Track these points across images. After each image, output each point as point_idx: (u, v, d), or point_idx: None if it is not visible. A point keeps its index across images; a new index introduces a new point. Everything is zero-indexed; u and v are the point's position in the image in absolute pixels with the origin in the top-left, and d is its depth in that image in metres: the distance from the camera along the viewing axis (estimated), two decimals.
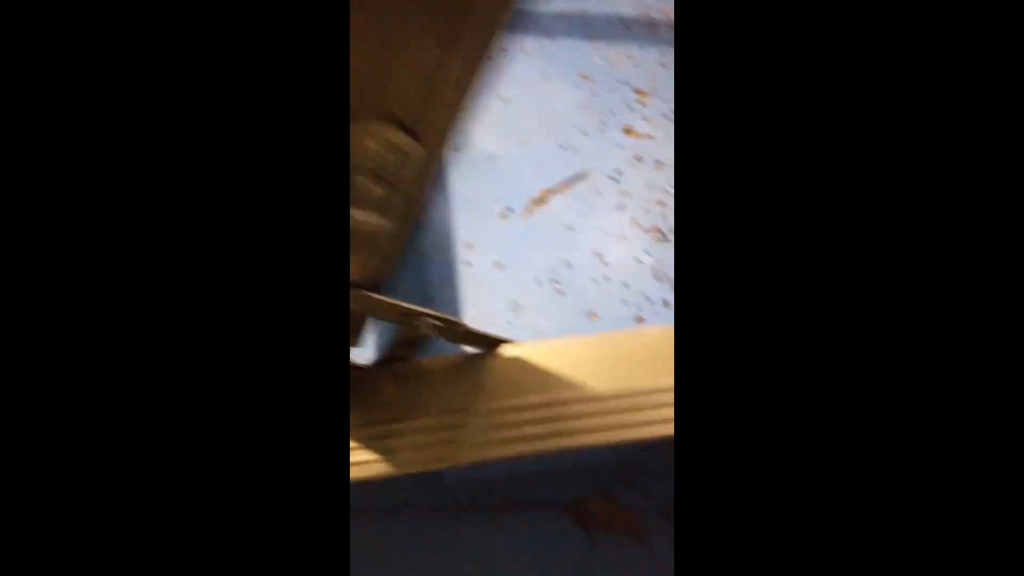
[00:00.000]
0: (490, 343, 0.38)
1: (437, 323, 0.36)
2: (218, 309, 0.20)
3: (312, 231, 0.21)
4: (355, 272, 0.33)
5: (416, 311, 0.35)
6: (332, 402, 0.21)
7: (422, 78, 0.23)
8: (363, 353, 0.42)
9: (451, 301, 0.53)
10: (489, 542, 0.42)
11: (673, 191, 0.59)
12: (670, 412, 0.29)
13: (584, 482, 0.43)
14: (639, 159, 0.62)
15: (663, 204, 0.59)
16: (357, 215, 0.28)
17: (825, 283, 0.19)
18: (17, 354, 0.18)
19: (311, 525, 0.20)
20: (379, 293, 0.34)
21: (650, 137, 0.63)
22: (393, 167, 0.27)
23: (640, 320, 0.51)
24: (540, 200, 0.59)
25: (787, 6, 0.19)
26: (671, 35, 0.69)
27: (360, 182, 0.27)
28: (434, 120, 0.25)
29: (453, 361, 0.39)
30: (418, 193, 0.28)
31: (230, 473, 0.19)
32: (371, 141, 0.25)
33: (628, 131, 0.64)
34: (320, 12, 0.20)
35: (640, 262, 0.56)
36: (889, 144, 0.19)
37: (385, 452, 0.33)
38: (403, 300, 0.34)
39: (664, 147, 0.63)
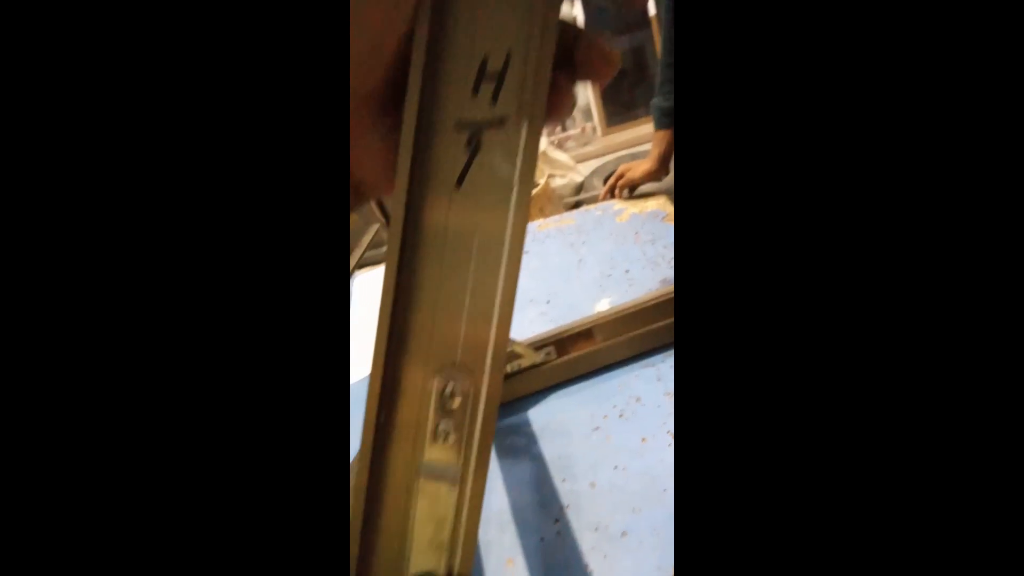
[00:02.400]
0: None
1: None
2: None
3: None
4: (429, 564, 0.27)
5: None
6: None
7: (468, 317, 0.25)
8: None
9: None
10: None
11: None
12: None
13: None
14: None
15: None
16: (429, 465, 0.28)
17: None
18: (15, 355, 0.18)
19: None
20: None
21: None
22: (457, 411, 0.27)
23: None
24: None
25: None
26: None
27: (426, 439, 0.27)
28: (483, 363, 0.26)
29: None
30: (486, 432, 0.28)
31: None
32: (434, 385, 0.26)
33: None
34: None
35: None
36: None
37: None
38: None
39: None
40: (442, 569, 0.27)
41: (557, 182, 2.88)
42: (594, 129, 3.47)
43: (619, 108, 3.45)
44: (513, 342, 0.79)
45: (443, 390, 0.26)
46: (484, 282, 0.25)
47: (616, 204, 1.39)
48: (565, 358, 0.80)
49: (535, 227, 1.36)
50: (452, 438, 0.26)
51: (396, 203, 0.24)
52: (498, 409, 0.27)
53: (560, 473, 0.68)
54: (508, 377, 0.80)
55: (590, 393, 0.79)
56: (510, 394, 0.81)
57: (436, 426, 0.26)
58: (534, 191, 2.16)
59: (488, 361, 0.26)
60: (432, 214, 0.24)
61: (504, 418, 0.81)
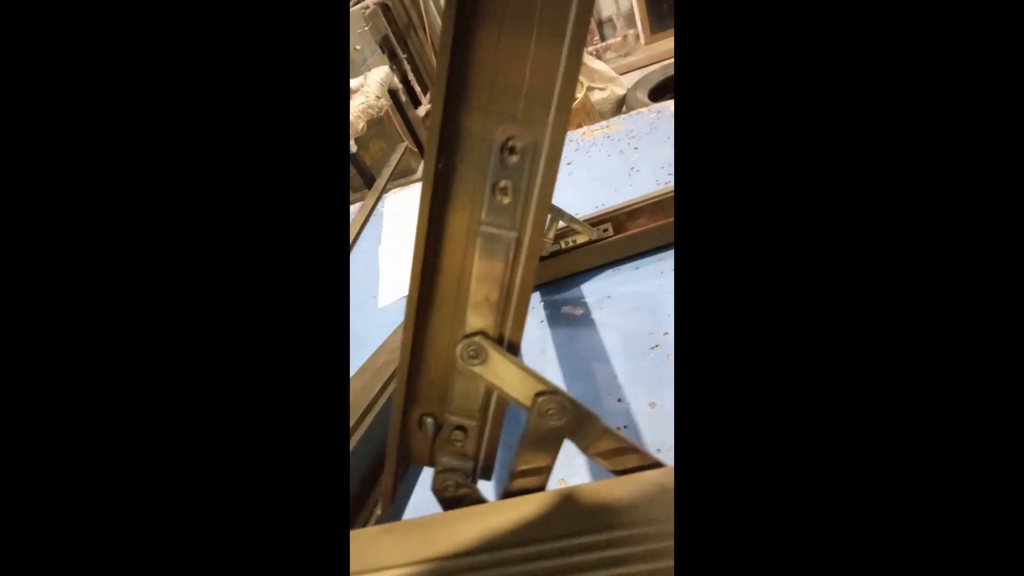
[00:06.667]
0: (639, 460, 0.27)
1: (569, 411, 0.27)
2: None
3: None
4: (482, 323, 0.27)
5: (551, 387, 0.27)
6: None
7: (534, 78, 0.23)
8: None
9: None
10: None
11: None
12: None
13: None
14: None
15: None
16: (486, 229, 0.27)
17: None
18: (16, 356, 0.18)
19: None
20: (511, 354, 0.27)
21: None
22: (516, 167, 0.26)
23: None
24: None
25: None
26: None
27: (486, 194, 0.26)
28: (546, 114, 0.24)
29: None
30: (541, 204, 0.27)
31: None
32: (495, 136, 0.25)
33: None
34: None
35: None
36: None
37: None
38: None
39: None
40: (494, 330, 0.28)
41: (596, 96, 2.65)
42: (637, 36, 3.17)
43: (665, 12, 3.13)
44: (569, 218, 0.74)
45: (504, 143, 0.25)
46: (550, 30, 0.22)
47: (673, 104, 1.24)
48: (623, 235, 0.75)
49: (578, 136, 1.20)
50: (510, 196, 0.25)
51: None
52: (557, 170, 0.25)
53: (616, 393, 0.63)
54: (563, 252, 0.77)
55: (646, 271, 0.74)
56: (564, 270, 0.78)
57: (495, 183, 0.25)
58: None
59: (552, 114, 0.24)
60: None
61: (559, 292, 0.77)
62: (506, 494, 0.30)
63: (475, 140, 0.25)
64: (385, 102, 1.74)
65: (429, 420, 0.29)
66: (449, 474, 0.30)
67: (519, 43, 0.23)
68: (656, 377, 0.61)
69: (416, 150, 2.08)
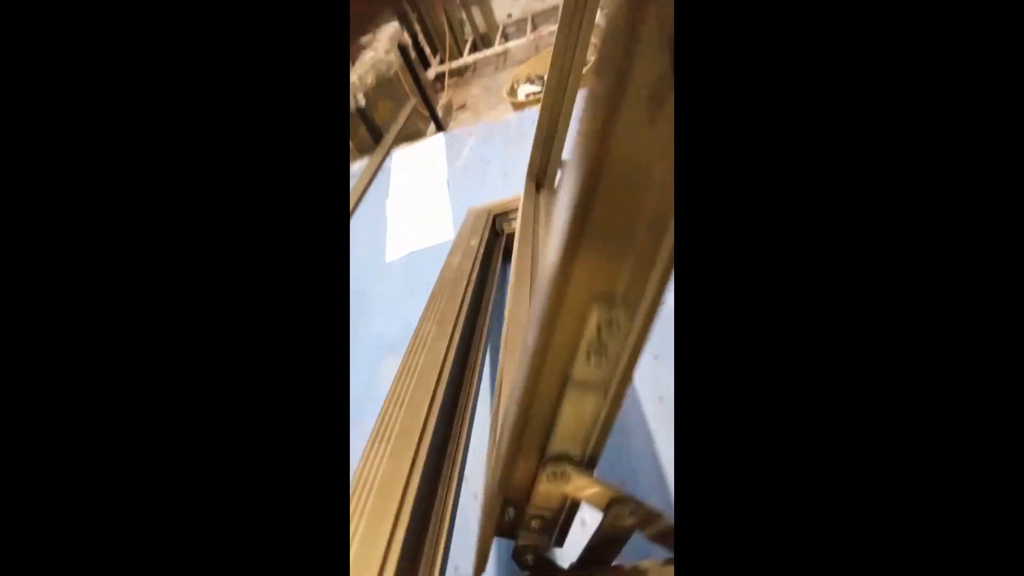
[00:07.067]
0: None
1: (639, 513, 0.31)
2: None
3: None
4: (567, 447, 0.30)
5: (624, 496, 0.31)
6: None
7: (635, 258, 0.24)
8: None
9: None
10: None
11: None
12: None
13: None
14: None
15: None
16: (578, 379, 0.29)
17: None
18: (15, 355, 0.17)
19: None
20: (589, 473, 0.30)
21: None
22: (610, 342, 0.27)
23: None
24: None
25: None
26: None
27: (580, 361, 0.27)
28: (643, 294, 0.25)
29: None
30: (631, 363, 0.28)
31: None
32: (591, 321, 0.26)
33: None
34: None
35: None
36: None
37: None
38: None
39: None
40: (578, 453, 0.30)
41: None
42: None
43: None
44: None
45: (600, 320, 0.25)
46: (657, 217, 0.22)
47: None
48: None
49: None
50: (602, 362, 0.26)
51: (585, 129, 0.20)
52: (647, 337, 0.26)
53: None
54: None
55: None
56: None
57: (588, 351, 0.26)
58: None
59: (647, 299, 0.24)
60: (621, 142, 0.20)
61: None
62: (579, 565, 0.34)
63: (573, 316, 0.25)
64: (395, 58, 1.60)
65: (512, 510, 0.33)
66: (528, 547, 0.35)
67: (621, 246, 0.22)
68: (659, 331, 0.63)
69: (425, 112, 1.98)
